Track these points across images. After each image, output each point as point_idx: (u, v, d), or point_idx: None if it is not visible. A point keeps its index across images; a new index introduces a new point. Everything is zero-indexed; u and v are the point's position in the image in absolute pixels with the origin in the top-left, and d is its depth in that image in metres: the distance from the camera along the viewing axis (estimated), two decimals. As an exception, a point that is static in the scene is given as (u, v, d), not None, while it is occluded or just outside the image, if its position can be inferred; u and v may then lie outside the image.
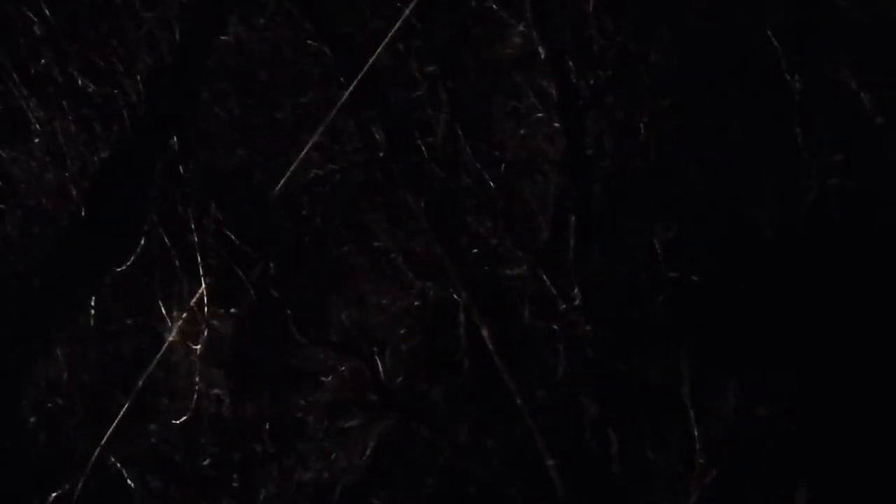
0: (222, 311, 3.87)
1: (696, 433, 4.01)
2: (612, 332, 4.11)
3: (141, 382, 3.73)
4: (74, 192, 3.84)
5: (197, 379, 3.77)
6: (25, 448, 3.66)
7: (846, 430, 3.90)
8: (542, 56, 4.01)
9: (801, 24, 4.47)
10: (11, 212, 3.67)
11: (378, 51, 2.96)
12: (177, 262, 3.78)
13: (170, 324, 3.78)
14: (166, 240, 3.84)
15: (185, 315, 3.74)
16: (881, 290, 4.30)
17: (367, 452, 3.76)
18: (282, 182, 3.57)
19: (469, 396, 4.17)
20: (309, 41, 3.79)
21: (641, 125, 4.12)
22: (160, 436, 3.71)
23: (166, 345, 3.70)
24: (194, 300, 3.82)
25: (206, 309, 3.83)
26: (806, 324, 4.31)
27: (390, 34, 2.95)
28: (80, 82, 3.68)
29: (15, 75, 3.77)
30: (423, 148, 3.75)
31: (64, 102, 3.59)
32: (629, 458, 4.02)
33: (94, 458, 3.56)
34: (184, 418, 3.75)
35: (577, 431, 3.91)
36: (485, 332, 3.80)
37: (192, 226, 3.92)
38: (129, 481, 3.63)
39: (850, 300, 4.31)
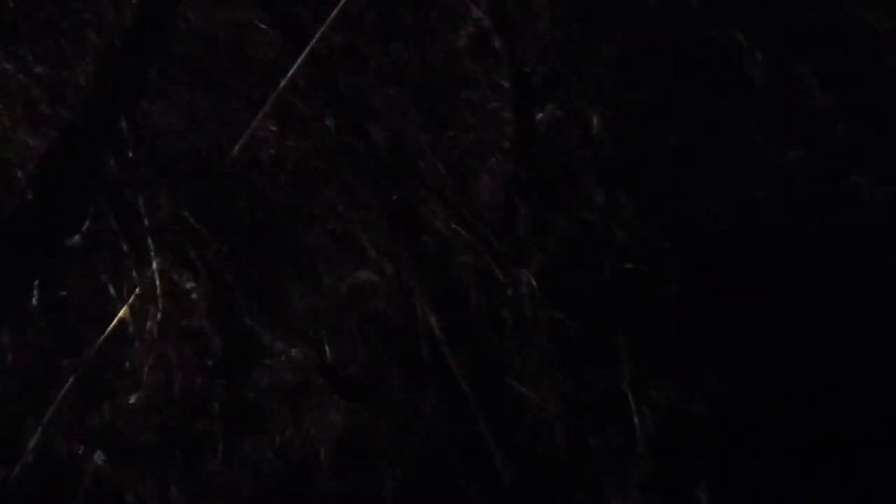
0: (174, 290, 3.90)
1: (636, 422, 4.12)
2: (560, 321, 4.19)
3: (89, 362, 3.80)
4: (20, 175, 3.87)
5: (147, 358, 3.82)
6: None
7: (778, 428, 4.03)
8: (497, 47, 4.08)
9: (763, 20, 4.55)
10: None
11: (320, 32, 3.03)
12: (126, 246, 3.82)
13: (120, 304, 3.82)
14: (115, 223, 3.88)
15: (135, 294, 3.78)
16: (825, 292, 4.41)
17: (315, 435, 3.85)
18: (235, 148, 3.63)
19: (422, 382, 4.24)
20: (261, 24, 3.86)
21: (594, 117, 4.18)
22: (109, 414, 3.76)
23: (114, 322, 3.75)
24: (146, 280, 3.87)
25: (157, 289, 3.88)
26: (748, 325, 4.43)
27: (332, 15, 3.02)
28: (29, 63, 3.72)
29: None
30: (374, 135, 3.84)
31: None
32: (573, 446, 4.11)
33: (37, 437, 3.63)
34: (133, 396, 3.79)
35: (521, 419, 4.00)
36: (432, 320, 3.87)
37: (143, 209, 3.95)
38: (76, 460, 3.68)
39: (795, 301, 4.43)
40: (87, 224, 3.86)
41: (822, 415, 4.31)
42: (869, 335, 4.25)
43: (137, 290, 3.74)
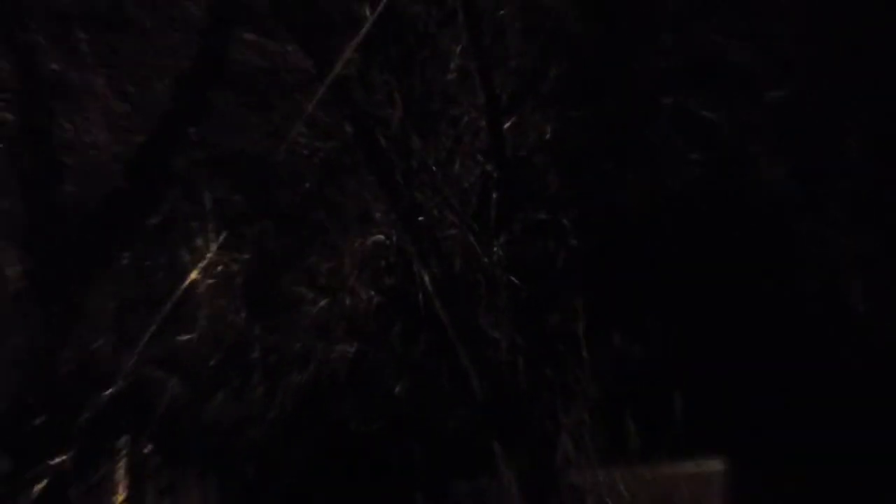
0: (230, 258, 5.18)
1: (585, 358, 5.44)
2: (523, 282, 5.50)
3: (168, 309, 5.04)
4: (115, 169, 5.12)
5: (209, 307, 5.09)
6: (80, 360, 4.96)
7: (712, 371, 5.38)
8: (474, 75, 5.39)
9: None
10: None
11: (341, 61, 4.33)
12: (195, 224, 5.11)
13: (192, 267, 5.10)
14: (186, 206, 5.14)
15: (204, 260, 5.07)
16: (726, 256, 5.78)
17: (335, 364, 5.11)
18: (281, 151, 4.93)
19: (417, 323, 5.53)
20: (295, 52, 5.14)
21: (547, 127, 5.51)
22: (181, 347, 5.02)
23: (187, 282, 5.03)
24: (210, 250, 5.15)
25: (218, 256, 5.16)
26: (672, 285, 5.78)
27: (352, 45, 4.29)
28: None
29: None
30: (382, 139, 5.12)
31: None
32: (532, 374, 5.40)
33: (130, 365, 4.91)
34: (193, 335, 5.07)
35: (492, 353, 5.30)
36: (426, 277, 5.16)
37: (206, 196, 5.22)
38: (158, 382, 4.94)
39: (702, 264, 5.79)
40: (165, 207, 5.13)
41: (731, 355, 5.69)
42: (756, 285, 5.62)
43: (208, 255, 4.97)
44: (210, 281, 5.08)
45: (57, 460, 4.68)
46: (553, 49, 5.41)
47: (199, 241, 5.08)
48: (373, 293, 5.23)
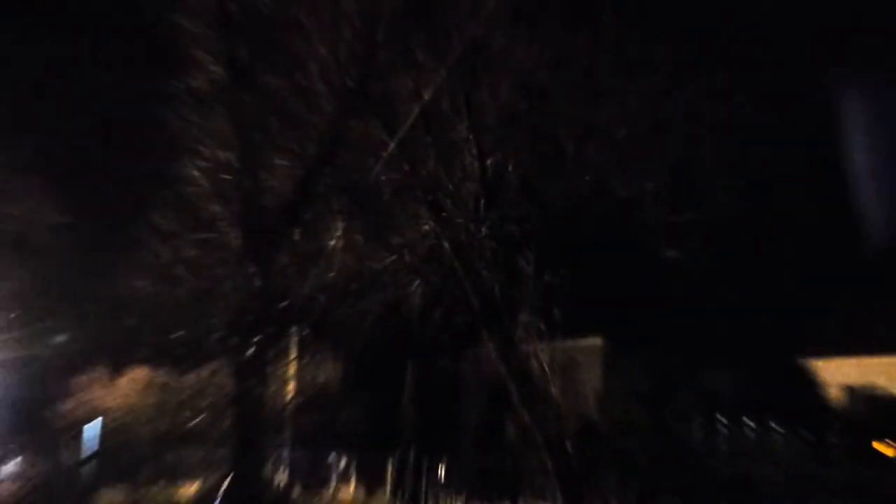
0: (341, 245, 10.15)
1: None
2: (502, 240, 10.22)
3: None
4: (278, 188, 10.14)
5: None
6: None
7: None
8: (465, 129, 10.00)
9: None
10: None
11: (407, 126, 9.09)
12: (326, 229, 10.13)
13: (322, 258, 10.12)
14: (318, 220, 10.24)
15: (329, 246, 10.10)
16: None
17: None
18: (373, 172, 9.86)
19: (441, 290, 10.36)
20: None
21: (519, 161, 10.07)
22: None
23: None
24: (331, 243, 10.14)
25: (334, 243, 10.15)
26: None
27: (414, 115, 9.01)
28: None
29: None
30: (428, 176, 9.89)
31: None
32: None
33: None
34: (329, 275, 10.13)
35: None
36: (445, 244, 9.95)
37: (331, 211, 10.17)
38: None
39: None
40: (306, 216, 10.08)
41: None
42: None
43: (332, 241, 9.83)
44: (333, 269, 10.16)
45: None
46: (522, 108, 9.96)
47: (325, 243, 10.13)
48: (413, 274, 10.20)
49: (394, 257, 10.92)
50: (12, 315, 11.39)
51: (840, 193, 12.15)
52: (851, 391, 12.55)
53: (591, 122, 10.35)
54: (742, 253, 11.15)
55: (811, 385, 12.95)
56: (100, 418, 12.05)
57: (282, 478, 12.08)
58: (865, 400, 11.78)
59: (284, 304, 11.06)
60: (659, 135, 10.09)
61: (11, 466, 11.37)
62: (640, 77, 9.85)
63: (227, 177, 10.98)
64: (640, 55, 9.75)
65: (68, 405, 12.83)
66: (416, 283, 10.97)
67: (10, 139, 11.34)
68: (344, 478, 13.66)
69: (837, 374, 14.05)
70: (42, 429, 12.51)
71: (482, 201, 10.96)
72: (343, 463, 13.57)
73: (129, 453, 11.41)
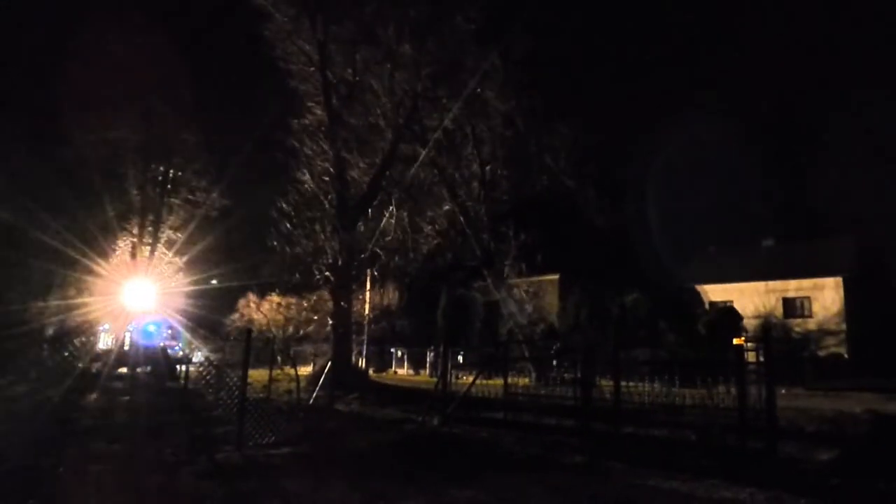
0: None
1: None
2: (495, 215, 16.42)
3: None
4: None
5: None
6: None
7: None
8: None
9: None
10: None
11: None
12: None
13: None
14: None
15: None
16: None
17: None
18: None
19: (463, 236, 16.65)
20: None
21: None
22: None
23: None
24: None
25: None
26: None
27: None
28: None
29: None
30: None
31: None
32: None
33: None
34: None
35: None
36: (461, 218, 16.19)
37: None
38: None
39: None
40: (374, 202, 16.31)
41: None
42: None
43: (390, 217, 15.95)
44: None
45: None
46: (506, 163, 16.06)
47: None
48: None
49: (428, 227, 17.14)
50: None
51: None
52: (713, 305, 19.12)
53: (546, 144, 16.30)
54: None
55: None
56: (250, 327, 18.49)
57: (362, 362, 18.46)
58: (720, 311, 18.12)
59: (362, 255, 17.33)
60: (586, 153, 16.13)
61: (199, 356, 18.13)
62: (573, 117, 15.91)
63: (326, 178, 17.13)
64: (573, 106, 15.80)
65: (234, 317, 19.34)
66: (442, 242, 17.27)
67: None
68: (400, 363, 20.17)
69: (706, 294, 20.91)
70: (219, 332, 19.25)
71: (482, 191, 17.08)
72: (399, 353, 19.99)
73: (267, 348, 17.84)
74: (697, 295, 19.64)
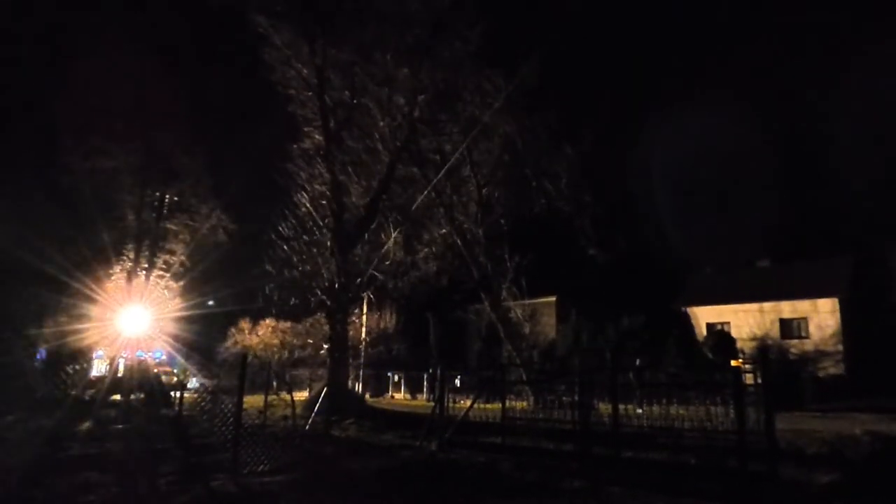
0: None
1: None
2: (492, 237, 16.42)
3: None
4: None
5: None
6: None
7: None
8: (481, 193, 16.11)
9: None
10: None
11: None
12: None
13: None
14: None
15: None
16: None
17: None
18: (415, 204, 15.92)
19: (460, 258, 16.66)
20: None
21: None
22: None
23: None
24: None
25: None
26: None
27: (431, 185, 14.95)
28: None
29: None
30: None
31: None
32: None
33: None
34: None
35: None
36: (457, 240, 16.25)
37: None
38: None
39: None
40: (372, 225, 16.36)
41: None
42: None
43: (387, 240, 16.01)
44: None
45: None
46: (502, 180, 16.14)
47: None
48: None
49: (425, 249, 17.18)
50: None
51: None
52: (710, 327, 19.05)
53: (545, 169, 16.44)
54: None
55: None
56: (247, 352, 18.38)
57: (359, 386, 18.28)
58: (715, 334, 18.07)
59: (360, 279, 17.32)
60: (584, 178, 16.25)
61: (194, 382, 17.94)
62: (572, 144, 16.14)
63: (323, 202, 17.16)
64: (572, 133, 15.95)
65: (228, 344, 19.23)
66: (438, 264, 17.27)
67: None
68: (397, 387, 20.00)
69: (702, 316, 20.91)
70: (213, 359, 19.08)
71: (479, 214, 17.17)
72: (396, 377, 19.85)
73: (263, 373, 17.72)
74: (691, 317, 19.65)
